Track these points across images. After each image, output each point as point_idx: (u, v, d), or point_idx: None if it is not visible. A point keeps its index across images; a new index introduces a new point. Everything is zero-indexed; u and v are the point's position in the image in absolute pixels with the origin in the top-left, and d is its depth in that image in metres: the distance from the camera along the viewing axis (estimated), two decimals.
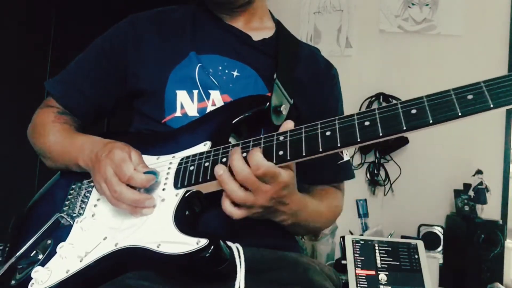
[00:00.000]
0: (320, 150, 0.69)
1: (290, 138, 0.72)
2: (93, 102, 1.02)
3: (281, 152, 0.72)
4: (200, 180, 0.78)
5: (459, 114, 0.62)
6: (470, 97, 0.62)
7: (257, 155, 0.70)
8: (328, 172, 1.02)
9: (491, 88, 0.61)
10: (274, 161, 0.72)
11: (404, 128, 0.65)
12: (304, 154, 0.70)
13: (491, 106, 0.60)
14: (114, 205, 0.80)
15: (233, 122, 0.86)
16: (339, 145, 0.68)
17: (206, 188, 0.79)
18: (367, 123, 0.67)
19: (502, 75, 0.62)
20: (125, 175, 0.77)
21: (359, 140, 0.67)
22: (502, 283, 1.71)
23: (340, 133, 0.69)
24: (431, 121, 0.63)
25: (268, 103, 0.87)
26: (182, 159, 0.83)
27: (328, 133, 0.70)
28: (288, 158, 0.71)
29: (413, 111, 0.64)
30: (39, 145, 0.99)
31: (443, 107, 0.63)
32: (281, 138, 0.73)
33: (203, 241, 0.68)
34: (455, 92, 0.63)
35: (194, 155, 0.82)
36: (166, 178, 0.82)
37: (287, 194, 0.76)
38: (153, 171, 0.80)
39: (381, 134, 0.66)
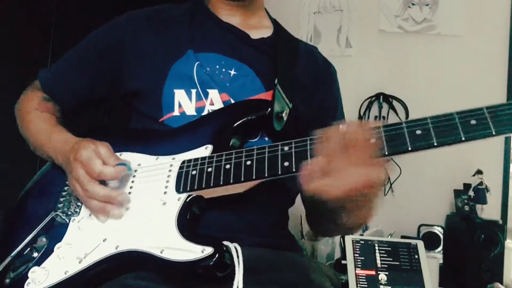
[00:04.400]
0: None
1: (295, 149, 0.73)
2: (79, 95, 1.02)
3: (286, 163, 0.72)
4: (204, 186, 0.78)
5: (463, 138, 0.63)
6: (473, 122, 0.63)
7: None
8: None
9: (493, 115, 0.62)
10: (279, 172, 0.73)
11: (409, 148, 0.65)
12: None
13: (493, 133, 0.62)
14: (86, 204, 0.81)
15: (235, 125, 0.85)
16: None
17: (208, 193, 0.79)
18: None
19: (504, 102, 0.63)
20: (94, 172, 0.78)
21: None
22: (502, 283, 1.71)
23: None
24: (435, 144, 0.64)
25: (269, 109, 0.87)
26: (183, 162, 0.83)
27: None
28: (294, 170, 0.72)
29: (418, 132, 0.65)
30: (22, 130, 1.01)
31: (447, 130, 0.64)
32: (286, 148, 0.74)
33: (208, 250, 0.69)
34: (459, 116, 0.64)
35: (196, 159, 0.81)
36: (167, 181, 0.82)
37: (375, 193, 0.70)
38: (123, 163, 0.81)
39: (386, 153, 0.66)
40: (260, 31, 1.03)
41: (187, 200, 0.78)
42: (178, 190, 0.80)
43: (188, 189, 0.79)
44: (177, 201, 0.78)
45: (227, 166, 0.77)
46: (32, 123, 0.97)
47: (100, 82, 1.01)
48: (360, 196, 0.67)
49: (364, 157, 0.64)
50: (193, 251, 0.69)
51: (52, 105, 1.01)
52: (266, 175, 0.74)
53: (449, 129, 0.64)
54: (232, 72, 0.95)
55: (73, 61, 1.03)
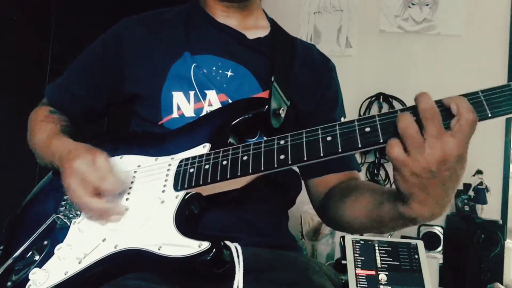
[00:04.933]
0: (321, 155, 0.70)
1: (291, 142, 0.73)
2: (82, 103, 1.03)
3: (282, 156, 0.73)
4: (201, 182, 0.78)
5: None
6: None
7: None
8: (342, 160, 0.99)
9: (489, 98, 0.62)
10: (275, 165, 0.73)
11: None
12: (305, 158, 0.71)
13: (489, 115, 0.62)
14: (83, 211, 0.82)
15: (232, 123, 0.85)
16: (340, 150, 0.69)
17: (206, 190, 0.79)
18: (367, 129, 0.67)
19: (500, 84, 0.63)
20: (92, 187, 0.77)
21: (360, 146, 0.68)
22: (502, 283, 1.71)
23: (341, 139, 0.69)
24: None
25: (267, 106, 0.87)
26: (181, 161, 0.83)
27: (329, 138, 0.70)
28: (290, 162, 0.72)
29: (413, 118, 0.64)
30: (30, 143, 1.02)
31: (443, 115, 0.63)
32: (282, 142, 0.74)
33: (205, 244, 0.69)
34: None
35: (194, 157, 0.82)
36: (166, 180, 0.82)
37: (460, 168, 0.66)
38: (122, 177, 0.81)
39: (381, 141, 0.66)
40: (256, 31, 1.03)
41: (185, 197, 0.78)
42: (176, 188, 0.80)
43: (186, 186, 0.79)
44: (175, 198, 0.78)
45: (224, 162, 0.77)
46: (36, 136, 0.98)
47: (102, 87, 1.03)
48: (444, 174, 0.63)
49: (463, 133, 0.61)
50: (190, 246, 0.69)
51: (58, 116, 1.02)
52: (262, 168, 0.74)
53: (445, 113, 0.63)
54: (229, 73, 0.95)
55: (74, 71, 1.05)
